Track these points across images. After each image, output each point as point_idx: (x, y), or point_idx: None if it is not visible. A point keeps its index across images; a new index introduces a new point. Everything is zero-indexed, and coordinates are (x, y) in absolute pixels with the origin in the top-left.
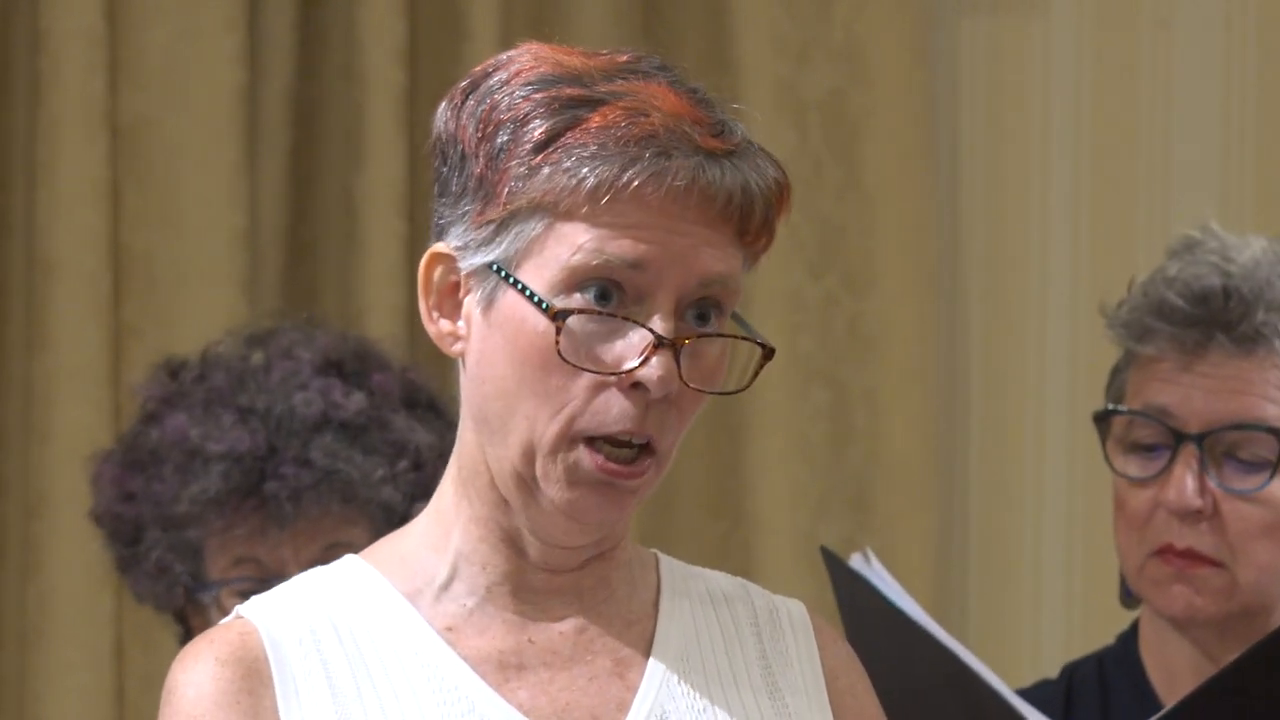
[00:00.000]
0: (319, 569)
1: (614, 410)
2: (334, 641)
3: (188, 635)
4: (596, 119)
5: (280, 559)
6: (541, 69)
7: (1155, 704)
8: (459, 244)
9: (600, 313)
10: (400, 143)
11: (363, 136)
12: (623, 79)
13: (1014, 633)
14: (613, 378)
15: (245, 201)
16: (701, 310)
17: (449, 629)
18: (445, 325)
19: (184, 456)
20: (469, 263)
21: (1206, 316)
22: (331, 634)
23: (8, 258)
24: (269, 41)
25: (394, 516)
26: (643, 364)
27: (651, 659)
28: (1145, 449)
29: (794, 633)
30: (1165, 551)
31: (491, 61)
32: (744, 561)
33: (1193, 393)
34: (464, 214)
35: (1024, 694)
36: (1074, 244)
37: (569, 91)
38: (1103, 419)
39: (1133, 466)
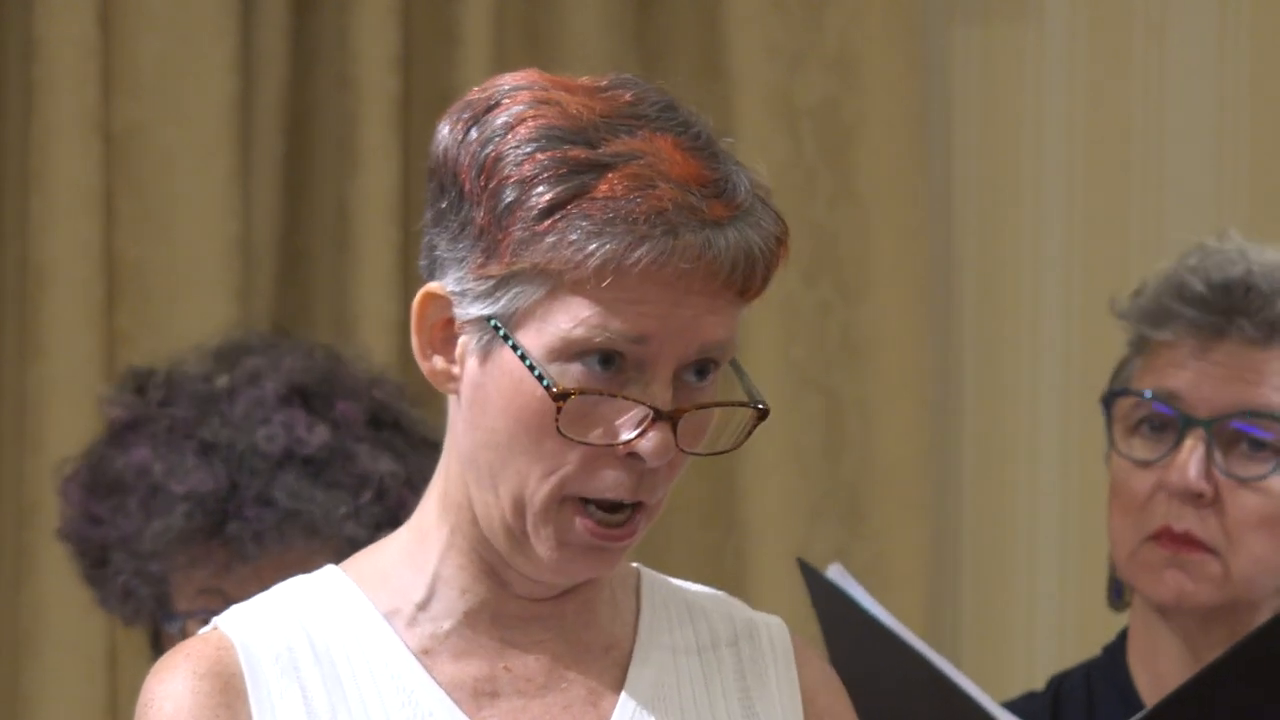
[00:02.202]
0: (298, 578)
1: (608, 479)
2: (310, 660)
3: (157, 643)
4: (603, 188)
5: (245, 591)
6: (545, 119)
7: None
8: (456, 290)
9: (602, 392)
10: (394, 150)
11: (356, 144)
12: (627, 132)
13: (1007, 642)
14: (609, 448)
15: (238, 209)
16: (700, 367)
17: (425, 651)
18: (439, 363)
19: (147, 491)
20: (466, 311)
21: (1226, 304)
22: (308, 652)
23: (1, 265)
24: (262, 49)
25: (358, 547)
26: (639, 436)
27: (625, 687)
28: (1152, 432)
29: (773, 654)
30: (1162, 535)
31: (492, 89)
32: (737, 570)
33: (1204, 379)
34: (462, 259)
35: (1010, 706)
36: (1067, 251)
37: (574, 154)
38: (1110, 401)
39: (1138, 448)
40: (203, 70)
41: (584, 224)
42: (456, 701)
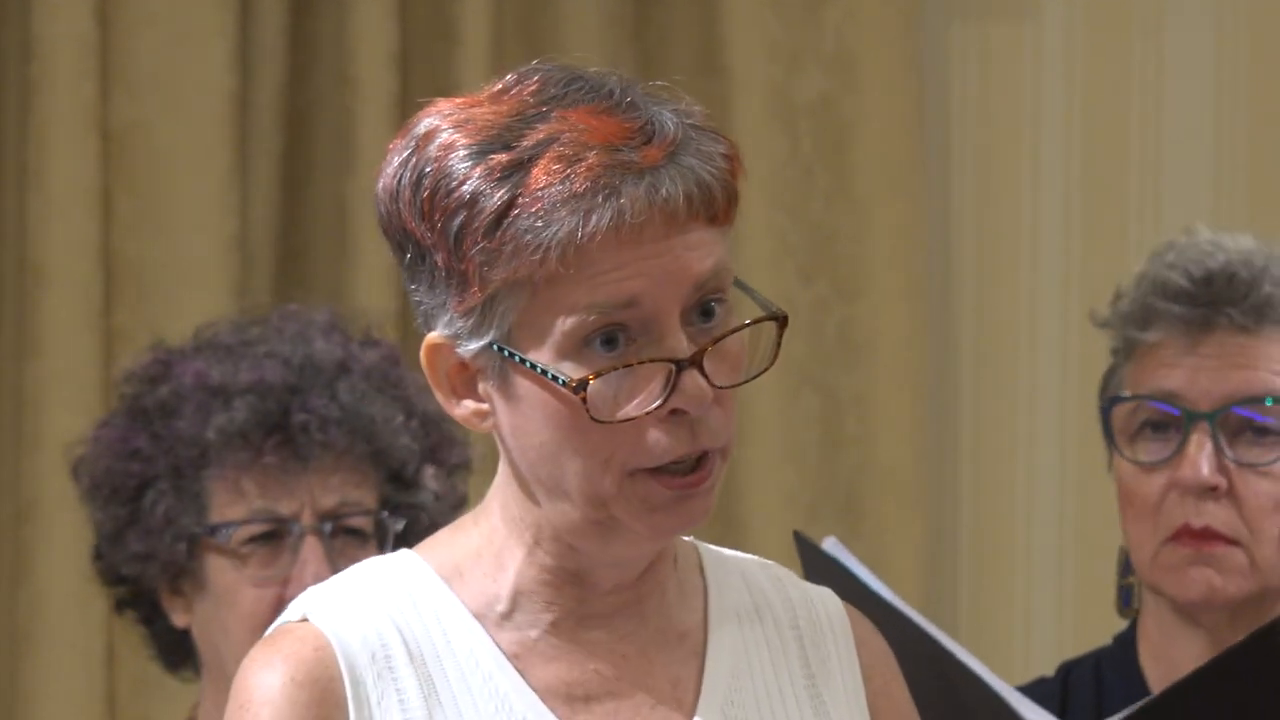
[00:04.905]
0: (377, 561)
1: (664, 444)
2: (405, 659)
3: (158, 632)
4: (536, 180)
5: (295, 505)
6: (463, 139)
7: None
8: (449, 333)
9: (616, 366)
10: None
11: (354, 141)
12: (540, 120)
13: (1004, 637)
14: (649, 416)
15: (236, 207)
16: (705, 306)
17: (516, 656)
18: (470, 405)
19: (205, 395)
20: (467, 349)
21: (1210, 295)
22: (402, 651)
23: None
24: (260, 47)
25: (404, 478)
26: (673, 392)
27: (705, 681)
28: (1155, 434)
29: (833, 635)
30: (1181, 534)
31: (408, 135)
32: None
33: (1199, 373)
34: (444, 303)
35: (1020, 691)
36: (1065, 249)
37: (499, 158)
38: (1108, 410)
39: (1143, 452)
40: (201, 68)
41: (531, 221)
42: (551, 709)
